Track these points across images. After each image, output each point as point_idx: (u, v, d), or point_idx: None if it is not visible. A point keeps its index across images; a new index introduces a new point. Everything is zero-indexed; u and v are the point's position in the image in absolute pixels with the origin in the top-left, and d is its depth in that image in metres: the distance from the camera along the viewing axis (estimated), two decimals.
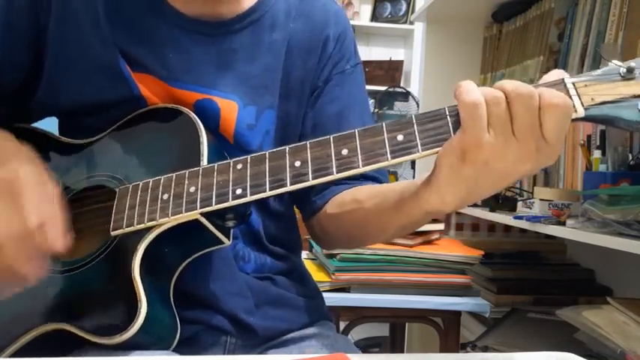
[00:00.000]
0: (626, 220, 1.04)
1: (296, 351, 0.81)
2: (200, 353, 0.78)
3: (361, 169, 0.63)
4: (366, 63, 3.85)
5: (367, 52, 3.99)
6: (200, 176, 0.70)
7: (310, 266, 1.57)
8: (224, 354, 0.80)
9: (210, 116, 0.79)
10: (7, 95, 0.82)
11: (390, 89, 3.66)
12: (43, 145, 0.79)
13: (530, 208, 1.38)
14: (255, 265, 0.85)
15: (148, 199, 0.71)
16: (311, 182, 0.65)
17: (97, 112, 0.81)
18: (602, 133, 1.36)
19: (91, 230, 0.78)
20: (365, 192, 0.81)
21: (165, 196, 0.70)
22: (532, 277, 1.76)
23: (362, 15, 4.06)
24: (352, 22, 3.74)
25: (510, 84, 0.59)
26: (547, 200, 1.33)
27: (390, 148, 0.63)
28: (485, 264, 1.74)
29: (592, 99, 0.60)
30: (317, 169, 0.65)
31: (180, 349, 0.73)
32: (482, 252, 1.54)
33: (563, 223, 1.24)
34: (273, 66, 0.85)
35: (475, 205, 1.75)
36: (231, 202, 0.67)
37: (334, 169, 0.64)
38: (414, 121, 0.63)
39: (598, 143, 1.37)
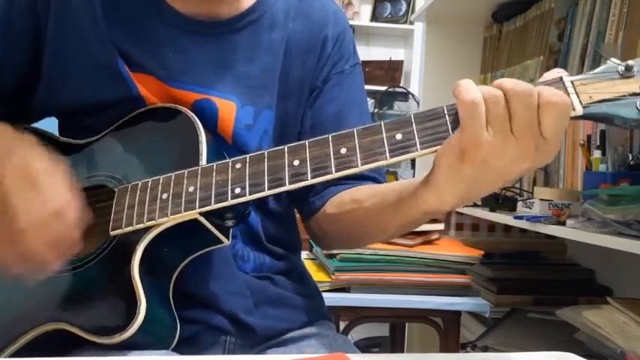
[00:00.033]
0: (626, 220, 1.04)
1: (295, 350, 0.81)
2: (199, 353, 0.78)
3: (360, 168, 0.63)
4: (366, 63, 3.85)
5: (367, 52, 3.99)
6: (199, 176, 0.70)
7: (310, 266, 1.57)
8: (223, 354, 0.80)
9: (208, 116, 0.79)
10: (6, 95, 0.82)
11: (390, 89, 3.66)
12: (42, 145, 0.79)
13: (530, 208, 1.38)
14: (255, 265, 0.85)
15: (147, 198, 0.71)
16: (310, 181, 0.65)
17: (96, 112, 0.81)
18: (602, 133, 1.36)
19: (91, 230, 0.78)
20: (364, 192, 0.81)
21: (164, 196, 0.70)
22: (532, 277, 1.76)
23: (362, 15, 4.06)
24: (352, 22, 3.75)
25: (509, 82, 0.59)
26: (547, 200, 1.33)
27: (388, 147, 0.63)
28: (485, 264, 1.74)
29: (590, 97, 0.60)
30: (316, 168, 0.65)
31: (179, 349, 0.73)
32: (482, 252, 1.54)
33: (563, 223, 1.24)
34: (272, 66, 0.85)
35: (475, 205, 1.75)
36: (230, 202, 0.67)
37: (333, 169, 0.64)
38: (413, 120, 0.63)
39: (598, 143, 1.37)
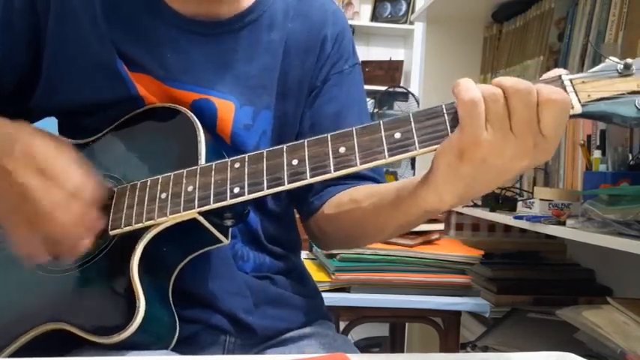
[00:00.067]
0: (626, 220, 1.04)
1: (295, 350, 0.81)
2: (199, 352, 0.78)
3: (359, 167, 0.63)
4: (366, 63, 3.85)
5: (367, 52, 3.99)
6: (198, 175, 0.70)
7: (310, 266, 1.57)
8: (223, 353, 0.80)
9: (207, 116, 0.79)
10: (6, 95, 0.82)
11: (390, 89, 3.66)
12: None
13: (530, 208, 1.38)
14: (254, 265, 0.84)
15: (146, 198, 0.71)
16: (308, 180, 0.65)
17: (95, 112, 0.81)
18: (602, 133, 1.36)
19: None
20: (362, 192, 0.81)
21: (163, 196, 0.70)
22: (532, 277, 1.76)
23: (362, 15, 4.06)
24: (352, 22, 3.75)
25: (508, 80, 0.59)
26: (547, 200, 1.33)
27: (387, 146, 0.63)
28: (485, 264, 1.74)
29: (589, 95, 0.60)
30: (314, 167, 0.65)
31: (179, 349, 0.73)
32: (482, 252, 1.54)
33: (563, 223, 1.24)
34: (271, 66, 0.85)
35: (475, 205, 1.75)
36: (229, 201, 0.67)
37: (332, 168, 0.64)
38: (412, 118, 0.63)
39: (598, 143, 1.37)
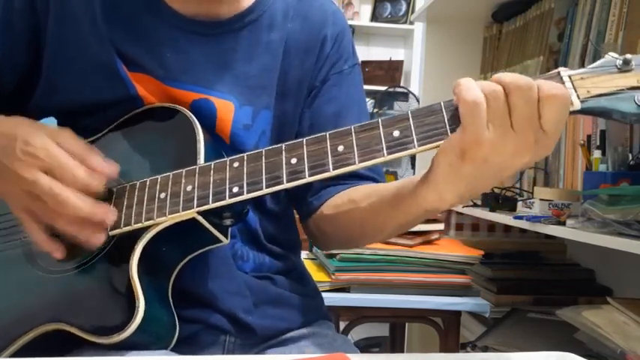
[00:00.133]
0: (626, 220, 1.04)
1: (295, 350, 0.81)
2: (199, 352, 0.78)
3: (357, 166, 0.63)
4: (366, 63, 3.85)
5: (367, 52, 3.99)
6: (197, 175, 0.70)
7: (310, 266, 1.57)
8: (223, 353, 0.80)
9: (206, 116, 0.79)
10: (6, 95, 0.82)
11: (390, 89, 3.66)
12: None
13: (530, 208, 1.38)
14: (254, 265, 0.84)
15: (145, 198, 0.71)
16: (307, 179, 0.65)
17: (95, 112, 0.81)
18: (602, 133, 1.36)
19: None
20: (361, 192, 0.81)
21: (163, 195, 0.70)
22: (532, 277, 1.76)
23: (362, 15, 4.06)
24: (352, 22, 3.75)
25: (508, 77, 0.58)
26: (547, 200, 1.33)
27: (386, 144, 0.63)
28: (486, 264, 1.74)
29: (588, 91, 0.59)
30: (313, 165, 0.65)
31: (178, 349, 0.73)
32: (482, 252, 1.54)
33: (563, 223, 1.24)
34: (271, 66, 0.84)
35: (475, 205, 1.74)
36: (228, 201, 0.67)
37: (330, 166, 0.64)
38: (410, 116, 0.63)
39: (598, 143, 1.37)
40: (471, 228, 1.96)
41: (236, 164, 0.69)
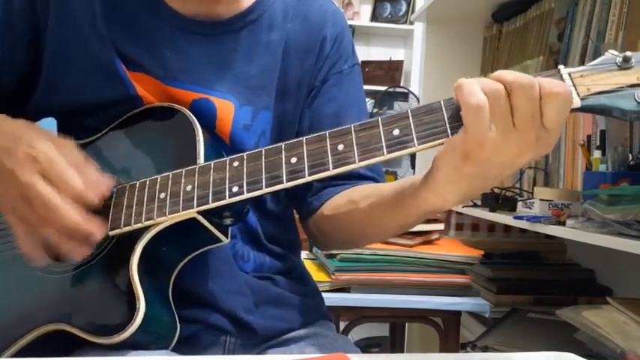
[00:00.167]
0: (626, 220, 1.04)
1: (296, 351, 0.81)
2: (199, 353, 0.78)
3: (357, 165, 0.63)
4: (366, 63, 3.85)
5: (367, 52, 3.99)
6: (196, 174, 0.70)
7: (310, 266, 1.57)
8: (224, 354, 0.80)
9: (206, 116, 0.79)
10: (6, 95, 0.82)
11: (390, 89, 3.66)
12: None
13: (530, 208, 1.38)
14: (255, 265, 0.84)
15: (145, 198, 0.71)
16: (307, 178, 0.65)
17: (95, 112, 0.81)
18: (602, 133, 1.36)
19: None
20: (361, 192, 0.81)
21: (162, 195, 0.70)
22: (532, 277, 1.76)
23: (362, 15, 4.06)
24: (352, 23, 3.74)
25: (509, 74, 0.58)
26: (547, 200, 1.33)
27: (385, 142, 0.63)
28: (485, 264, 1.74)
29: (588, 89, 0.59)
30: (313, 165, 0.65)
31: (179, 349, 0.73)
32: (482, 252, 1.54)
33: (563, 223, 1.24)
34: (271, 66, 0.85)
35: (475, 205, 1.74)
36: (228, 200, 0.67)
37: (330, 165, 0.64)
38: (410, 115, 0.63)
39: (598, 143, 1.37)
40: (471, 228, 1.96)
41: (236, 164, 0.69)
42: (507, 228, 1.92)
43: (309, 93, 0.88)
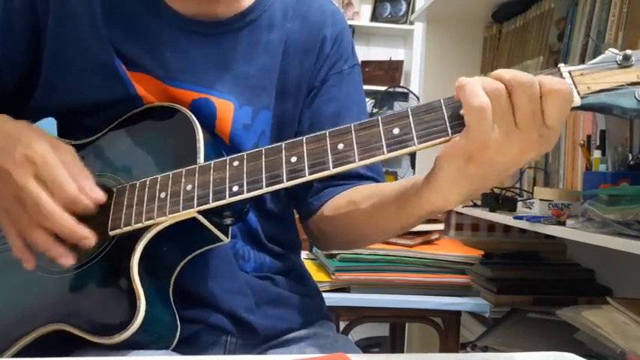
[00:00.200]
0: (626, 220, 1.04)
1: (297, 351, 0.81)
2: (200, 353, 0.78)
3: (357, 164, 0.63)
4: (366, 63, 3.85)
5: (367, 52, 3.99)
6: (196, 174, 0.70)
7: (310, 266, 1.57)
8: (224, 354, 0.80)
9: (206, 116, 0.79)
10: (6, 95, 0.82)
11: (390, 89, 3.66)
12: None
13: (530, 208, 1.38)
14: (255, 264, 0.84)
15: (145, 197, 0.71)
16: (307, 178, 0.65)
17: (95, 112, 0.81)
18: (602, 133, 1.36)
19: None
20: (361, 193, 0.81)
21: (163, 195, 0.70)
22: (532, 277, 1.76)
23: (362, 15, 4.06)
24: (352, 23, 3.74)
25: (509, 73, 0.58)
26: (547, 200, 1.33)
27: (386, 141, 0.62)
28: (485, 264, 1.74)
29: (588, 87, 0.59)
30: (313, 164, 0.65)
31: (180, 349, 0.73)
32: (482, 252, 1.54)
33: (563, 223, 1.24)
34: (270, 66, 0.85)
35: (475, 205, 1.74)
36: (228, 200, 0.67)
37: (330, 164, 0.64)
38: (410, 113, 0.63)
39: (598, 143, 1.37)
40: (471, 228, 1.96)
41: (236, 163, 0.69)
42: (507, 228, 1.92)
43: (309, 93, 0.88)
